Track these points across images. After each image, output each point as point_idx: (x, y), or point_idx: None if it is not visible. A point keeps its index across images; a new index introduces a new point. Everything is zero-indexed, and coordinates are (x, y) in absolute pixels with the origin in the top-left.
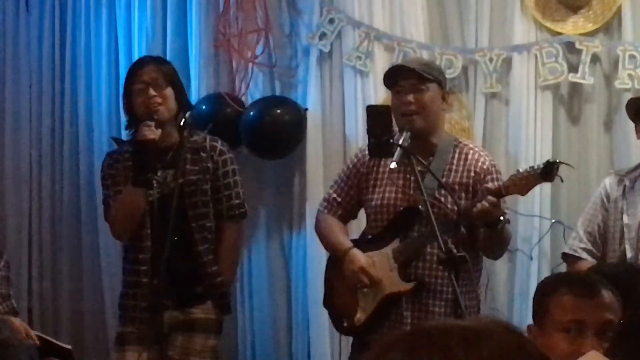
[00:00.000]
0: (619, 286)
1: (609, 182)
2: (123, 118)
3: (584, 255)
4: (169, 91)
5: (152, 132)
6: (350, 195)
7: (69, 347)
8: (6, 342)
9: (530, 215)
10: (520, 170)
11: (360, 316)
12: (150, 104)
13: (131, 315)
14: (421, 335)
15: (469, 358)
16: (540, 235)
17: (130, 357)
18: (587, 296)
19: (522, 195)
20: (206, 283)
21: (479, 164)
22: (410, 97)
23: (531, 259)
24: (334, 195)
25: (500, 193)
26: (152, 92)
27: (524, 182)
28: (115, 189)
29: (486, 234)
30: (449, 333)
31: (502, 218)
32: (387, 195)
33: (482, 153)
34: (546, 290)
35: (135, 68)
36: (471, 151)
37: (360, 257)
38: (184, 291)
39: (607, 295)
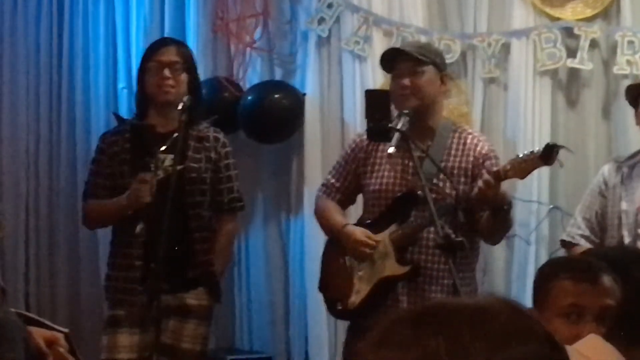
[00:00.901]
0: (615, 269)
1: (607, 169)
2: (120, 102)
3: (582, 242)
4: (184, 77)
5: (146, 196)
6: (348, 180)
7: (66, 330)
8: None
9: (528, 200)
10: (520, 154)
11: (354, 299)
12: (163, 85)
13: (120, 297)
14: (428, 312)
15: (475, 337)
16: (538, 221)
17: (123, 340)
18: (587, 281)
19: (522, 178)
20: (198, 270)
21: (478, 148)
22: (407, 81)
23: (529, 244)
24: (332, 181)
25: (499, 176)
26: (167, 73)
27: (523, 166)
28: (97, 180)
29: (489, 219)
30: (456, 311)
31: (505, 207)
32: (385, 180)
33: (480, 138)
34: (546, 275)
35: (156, 47)
36: (470, 136)
37: (355, 230)
38: (175, 276)
39: (607, 280)
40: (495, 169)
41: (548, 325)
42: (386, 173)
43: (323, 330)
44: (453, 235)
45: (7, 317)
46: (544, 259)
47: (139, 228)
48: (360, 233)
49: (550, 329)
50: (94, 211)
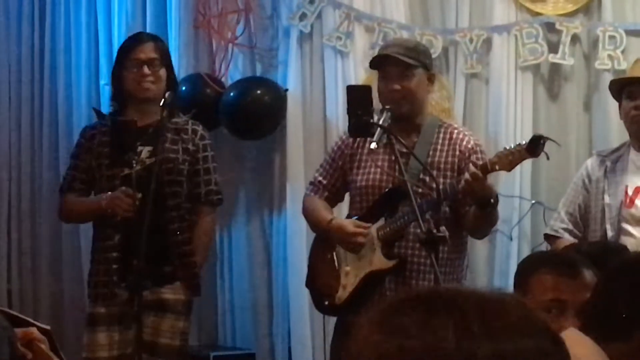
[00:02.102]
0: (596, 264)
1: (590, 163)
2: (103, 98)
3: (566, 235)
4: (162, 72)
5: (129, 209)
6: (335, 177)
7: (48, 327)
8: None
9: (510, 196)
10: (506, 147)
11: (341, 294)
12: (143, 82)
13: (102, 292)
14: (441, 296)
15: (485, 326)
16: (520, 216)
17: (102, 338)
18: (568, 276)
19: (508, 171)
20: (177, 262)
21: (464, 143)
22: (397, 86)
23: (511, 239)
24: (320, 178)
25: (486, 169)
26: (146, 70)
27: (510, 158)
28: (73, 173)
29: (475, 214)
30: (469, 299)
31: (492, 201)
32: (371, 176)
33: (466, 132)
34: (527, 269)
35: (134, 44)
36: (455, 131)
37: (344, 222)
38: (153, 270)
39: (588, 275)
40: (482, 161)
41: None
42: (372, 169)
43: (306, 327)
44: (435, 230)
45: None
46: (526, 254)
47: (117, 239)
48: (349, 224)
49: None
50: (70, 208)
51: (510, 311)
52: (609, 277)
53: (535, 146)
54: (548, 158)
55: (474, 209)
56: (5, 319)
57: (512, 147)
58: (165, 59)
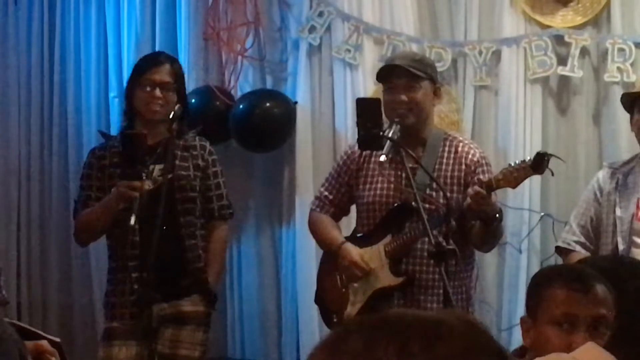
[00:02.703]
0: (609, 279)
1: (602, 175)
2: (112, 111)
3: (578, 248)
4: (173, 96)
5: (134, 191)
6: (341, 192)
7: (57, 339)
8: None
9: (520, 208)
10: (511, 163)
11: (350, 311)
12: (152, 104)
13: (119, 312)
14: (383, 322)
15: (425, 349)
16: (529, 229)
17: (117, 352)
18: (580, 290)
19: (513, 188)
20: (190, 279)
21: (470, 156)
22: (403, 97)
23: (520, 252)
24: (326, 193)
25: (491, 186)
26: (158, 93)
27: (514, 175)
28: (87, 193)
29: (481, 228)
30: (411, 322)
31: (497, 216)
32: (378, 192)
33: (472, 145)
34: (540, 282)
35: (150, 64)
36: (461, 144)
37: (351, 251)
38: (170, 284)
39: (600, 290)
40: (486, 177)
41: (541, 333)
42: (379, 185)
43: (315, 339)
44: (444, 244)
45: (3, 330)
46: (535, 266)
47: (133, 219)
48: (356, 254)
49: (542, 337)
50: (83, 220)
51: (455, 334)
52: (633, 296)
53: (539, 163)
54: (553, 174)
55: (478, 224)
56: (15, 332)
57: (517, 164)
58: (178, 82)
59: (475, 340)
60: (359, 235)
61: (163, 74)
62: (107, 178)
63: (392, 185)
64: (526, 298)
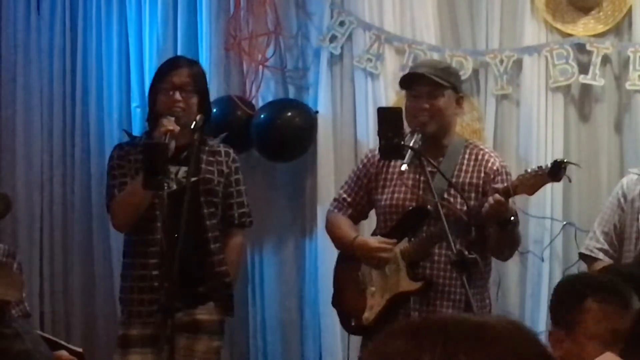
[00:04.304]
0: (636, 288)
1: (626, 181)
2: (134, 121)
3: (601, 255)
4: (194, 99)
5: (170, 124)
6: (360, 195)
7: (80, 350)
8: (27, 353)
9: (542, 217)
10: (529, 170)
11: (368, 315)
12: (173, 107)
13: (137, 309)
14: (427, 325)
15: (472, 353)
16: (551, 237)
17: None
18: (619, 305)
19: (530, 195)
20: (212, 283)
21: (489, 164)
22: (425, 104)
23: (542, 260)
24: (344, 195)
25: (508, 193)
26: (178, 96)
27: (531, 182)
28: (122, 180)
29: (496, 234)
30: (457, 326)
31: (512, 218)
32: (396, 195)
33: (492, 154)
34: (572, 295)
35: (169, 67)
36: (481, 152)
37: (367, 240)
38: (187, 291)
39: (636, 303)
40: (504, 185)
41: (580, 348)
42: (397, 188)
43: (337, 349)
44: (466, 253)
45: (36, 348)
46: (557, 275)
47: (157, 258)
48: (373, 240)
49: (583, 352)
50: (119, 206)
51: (501, 336)
52: None
53: (557, 170)
54: (570, 181)
55: (494, 230)
56: (47, 348)
57: (534, 170)
58: (199, 85)
59: (524, 344)
60: (376, 237)
61: (181, 76)
62: (134, 172)
63: (409, 190)
64: (554, 310)
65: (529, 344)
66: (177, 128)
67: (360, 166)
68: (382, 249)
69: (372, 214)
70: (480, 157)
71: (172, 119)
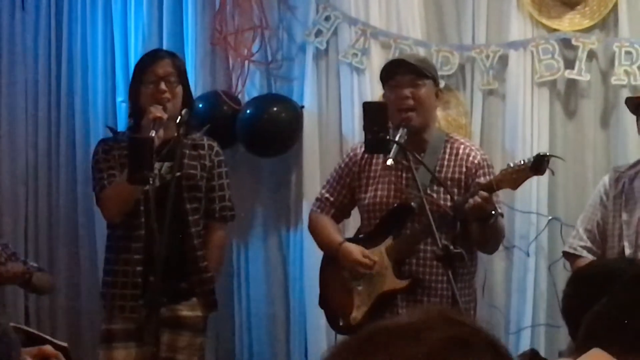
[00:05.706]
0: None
1: (607, 179)
2: (119, 115)
3: (584, 253)
4: (179, 89)
5: (158, 111)
6: (342, 194)
7: (65, 344)
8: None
9: (527, 212)
10: (511, 164)
11: (356, 315)
12: (160, 99)
13: (120, 304)
14: (369, 337)
15: (413, 355)
16: (537, 232)
17: (118, 355)
18: None
19: (513, 189)
20: (194, 278)
21: (470, 158)
22: (407, 92)
23: (528, 255)
24: (327, 195)
25: (491, 188)
26: (163, 86)
27: (514, 176)
28: (110, 172)
29: (479, 228)
30: (393, 332)
31: (493, 212)
32: (379, 193)
33: (473, 148)
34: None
35: (151, 60)
36: (462, 146)
37: (353, 249)
38: (170, 286)
39: None
40: (486, 179)
41: None
42: (380, 186)
43: (323, 344)
44: (452, 247)
45: (5, 332)
46: (543, 270)
47: (141, 252)
48: (357, 252)
49: None
50: (108, 198)
51: (435, 331)
52: (623, 288)
53: (539, 164)
54: (553, 174)
55: (475, 224)
56: (17, 337)
57: (517, 164)
58: (181, 76)
59: (459, 335)
60: (360, 236)
61: (165, 66)
62: (119, 166)
63: (392, 186)
64: (569, 319)
65: (461, 330)
66: (165, 115)
67: (343, 165)
68: (363, 265)
69: (355, 212)
70: (461, 151)
71: (160, 107)
